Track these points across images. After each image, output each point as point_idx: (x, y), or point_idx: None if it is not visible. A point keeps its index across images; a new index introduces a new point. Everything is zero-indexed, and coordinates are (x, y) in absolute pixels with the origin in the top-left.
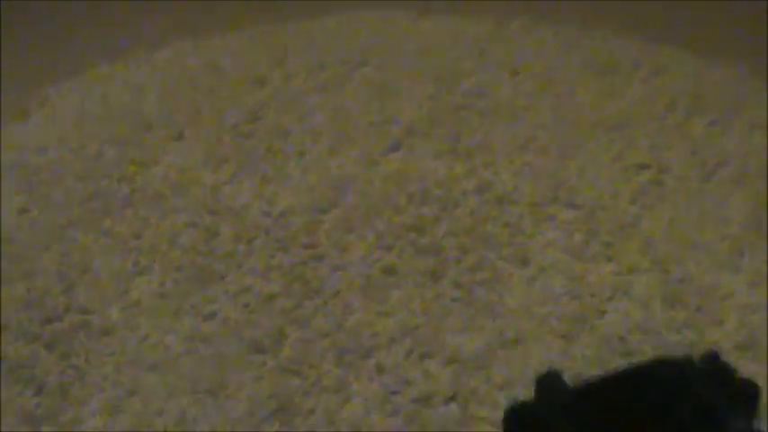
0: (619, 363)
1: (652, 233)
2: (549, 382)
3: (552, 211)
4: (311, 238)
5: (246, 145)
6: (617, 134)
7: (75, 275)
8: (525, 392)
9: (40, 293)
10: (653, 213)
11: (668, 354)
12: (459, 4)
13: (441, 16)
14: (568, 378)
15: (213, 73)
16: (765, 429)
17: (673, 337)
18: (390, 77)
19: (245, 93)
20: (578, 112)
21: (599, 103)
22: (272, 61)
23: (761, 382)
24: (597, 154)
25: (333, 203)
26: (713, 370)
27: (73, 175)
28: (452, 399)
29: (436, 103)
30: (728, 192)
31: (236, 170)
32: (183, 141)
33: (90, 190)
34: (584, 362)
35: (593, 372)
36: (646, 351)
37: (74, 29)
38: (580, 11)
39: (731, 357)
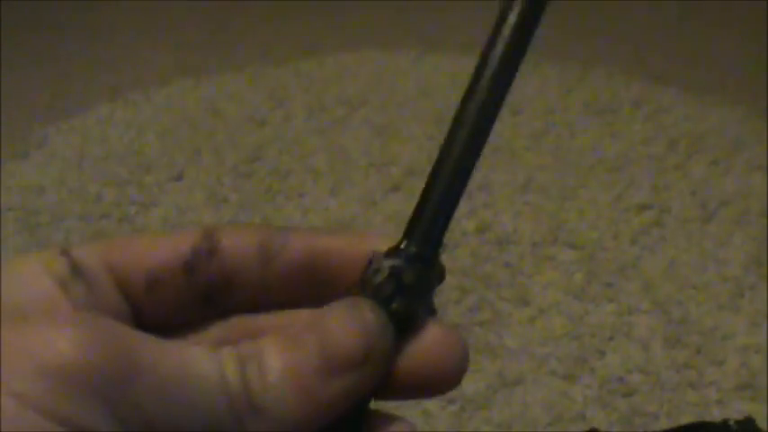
0: (619, 403)
1: (652, 274)
2: None
3: (552, 252)
4: None
5: (246, 186)
6: (617, 174)
7: None
8: None
9: None
10: (653, 254)
11: (706, 420)
12: (460, 45)
13: (441, 56)
14: (571, 419)
15: (213, 114)
16: None
17: (673, 378)
18: (390, 118)
19: (245, 133)
20: (579, 153)
21: (599, 143)
22: (272, 102)
23: (760, 423)
24: (597, 194)
25: None
26: None
27: (73, 216)
28: None
29: (436, 144)
30: (729, 232)
31: (236, 211)
32: (182, 182)
33: (90, 230)
34: (584, 402)
35: (594, 413)
36: (646, 392)
37: (73, 68)
38: (582, 51)
39: (730, 398)
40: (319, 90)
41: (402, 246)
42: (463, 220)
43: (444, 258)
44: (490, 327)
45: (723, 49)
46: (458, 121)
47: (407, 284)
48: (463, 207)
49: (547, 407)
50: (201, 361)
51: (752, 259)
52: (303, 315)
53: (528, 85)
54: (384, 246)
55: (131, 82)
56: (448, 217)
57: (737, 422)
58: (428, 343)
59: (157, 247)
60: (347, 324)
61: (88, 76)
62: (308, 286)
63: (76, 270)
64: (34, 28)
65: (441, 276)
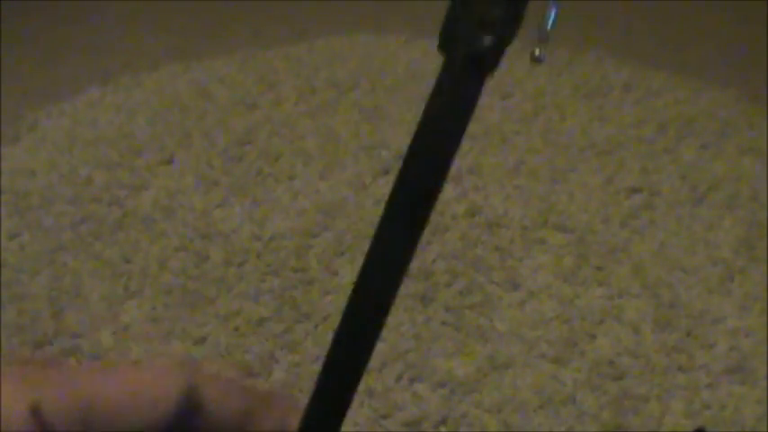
0: (609, 386)
1: (642, 257)
2: None
3: (542, 235)
4: (301, 261)
5: (237, 169)
6: (607, 158)
7: (66, 299)
8: (515, 416)
9: (30, 318)
10: (643, 237)
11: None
12: None
13: (431, 40)
14: (561, 403)
15: (203, 97)
16: None
17: (663, 361)
18: (380, 101)
19: (236, 117)
20: (569, 136)
21: (589, 126)
22: (263, 85)
23: (750, 406)
24: (588, 178)
25: (323, 227)
26: None
27: (63, 200)
28: (442, 423)
29: None
30: (719, 215)
31: (227, 194)
32: (173, 165)
33: (80, 214)
34: (574, 386)
35: (584, 396)
36: (636, 375)
37: (64, 53)
38: (571, 34)
39: (720, 381)
40: (309, 74)
41: None
42: (453, 204)
43: (435, 242)
44: (480, 310)
45: (713, 34)
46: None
47: None
48: (453, 191)
49: (537, 390)
50: None
51: (741, 242)
52: None
53: (517, 69)
54: None
55: (122, 66)
56: (342, 413)
57: None
58: None
59: (138, 407)
60: None
61: (78, 61)
62: None
63: None
64: (24, 14)
65: None
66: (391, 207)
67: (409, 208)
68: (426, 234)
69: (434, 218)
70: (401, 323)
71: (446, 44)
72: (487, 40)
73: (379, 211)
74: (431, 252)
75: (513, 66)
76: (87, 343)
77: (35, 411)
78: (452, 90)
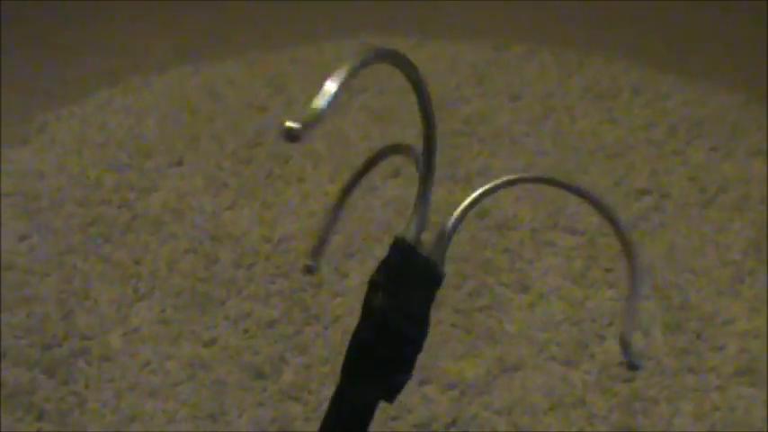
0: (619, 388)
1: (652, 259)
2: None
3: (552, 237)
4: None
5: (246, 171)
6: (617, 160)
7: (75, 301)
8: (525, 418)
9: (39, 320)
10: (653, 239)
11: None
12: (459, 30)
13: (440, 42)
14: (571, 405)
15: (213, 99)
16: None
17: (673, 363)
18: (390, 104)
19: (245, 119)
20: (578, 138)
21: (599, 128)
22: (272, 87)
23: (759, 408)
24: (597, 180)
25: (333, 229)
26: None
27: (73, 201)
28: (452, 424)
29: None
30: (729, 218)
31: (236, 196)
32: (182, 167)
33: (90, 216)
34: (583, 388)
35: (594, 398)
36: (646, 377)
37: (73, 55)
38: (581, 36)
39: (730, 383)
40: (318, 76)
41: None
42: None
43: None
44: (490, 312)
45: (723, 36)
46: None
47: None
48: (462, 192)
49: (546, 392)
50: None
51: (751, 244)
52: None
53: (527, 71)
54: None
55: (131, 68)
56: None
57: None
58: None
59: None
60: None
61: (88, 63)
62: None
63: None
64: (34, 14)
65: None
66: None
67: None
68: (435, 236)
69: (443, 220)
70: None
71: None
72: None
73: (389, 213)
74: None
75: (522, 68)
76: (97, 345)
77: None
78: None
